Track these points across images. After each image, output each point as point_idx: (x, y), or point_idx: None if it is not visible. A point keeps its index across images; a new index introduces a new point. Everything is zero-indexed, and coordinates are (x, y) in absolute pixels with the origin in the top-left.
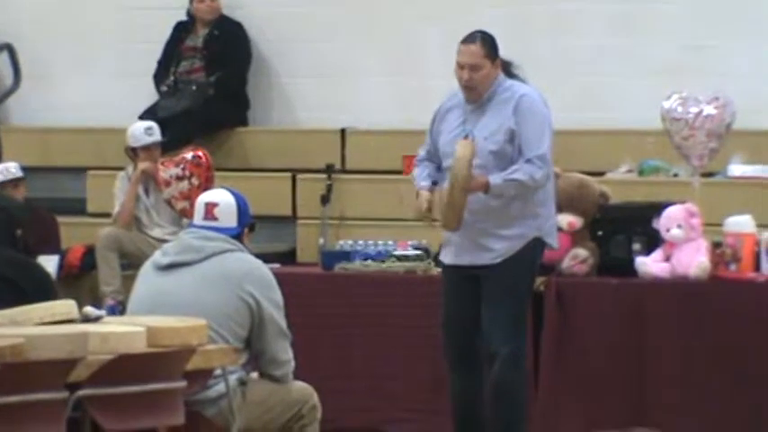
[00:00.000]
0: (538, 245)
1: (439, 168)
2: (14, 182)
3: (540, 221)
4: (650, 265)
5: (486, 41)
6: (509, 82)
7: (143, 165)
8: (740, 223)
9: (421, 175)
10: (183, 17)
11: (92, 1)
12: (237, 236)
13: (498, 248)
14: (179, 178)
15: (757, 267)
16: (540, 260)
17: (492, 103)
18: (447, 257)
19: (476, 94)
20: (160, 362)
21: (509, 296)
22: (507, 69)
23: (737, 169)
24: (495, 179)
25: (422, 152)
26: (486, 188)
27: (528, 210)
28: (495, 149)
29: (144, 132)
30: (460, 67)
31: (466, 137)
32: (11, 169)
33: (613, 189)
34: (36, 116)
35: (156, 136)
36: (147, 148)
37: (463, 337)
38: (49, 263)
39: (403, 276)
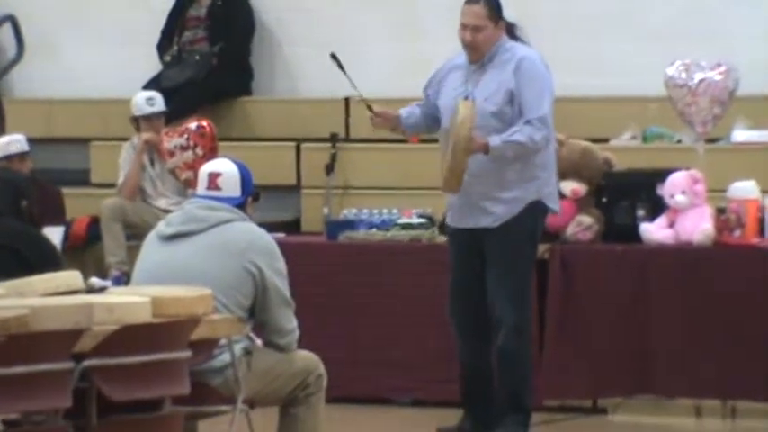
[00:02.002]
0: (538, 209)
1: (430, 120)
2: (21, 155)
3: (539, 184)
4: (654, 231)
5: (490, 2)
6: (510, 44)
7: (146, 135)
8: (744, 189)
9: (404, 108)
10: None
11: None
12: (241, 205)
13: (497, 211)
14: (183, 148)
15: (761, 233)
16: (543, 225)
17: (493, 63)
18: (450, 220)
19: (478, 54)
20: (165, 332)
21: (511, 263)
22: (511, 31)
23: (741, 135)
24: (495, 140)
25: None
26: (486, 149)
27: (527, 173)
28: (494, 110)
29: (145, 102)
30: (463, 27)
31: (466, 98)
32: (18, 143)
33: (617, 156)
34: (39, 87)
35: (158, 106)
36: (148, 118)
37: (469, 302)
38: (55, 234)
39: (408, 245)
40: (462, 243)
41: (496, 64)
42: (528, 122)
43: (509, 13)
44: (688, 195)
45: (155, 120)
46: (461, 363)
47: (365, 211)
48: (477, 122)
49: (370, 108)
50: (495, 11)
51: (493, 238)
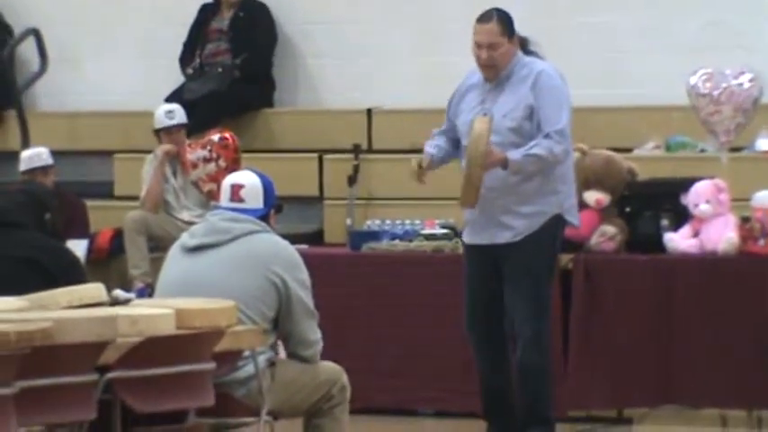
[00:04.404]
0: (558, 222)
1: (456, 145)
2: (44, 168)
3: (560, 198)
4: (679, 241)
5: (502, 19)
6: (527, 59)
7: (165, 146)
8: None
9: (429, 144)
10: (208, 0)
11: None
12: (264, 217)
13: (517, 226)
14: (206, 160)
15: None
16: (562, 239)
17: (510, 80)
18: (467, 236)
19: (494, 72)
20: (189, 344)
21: (530, 276)
22: (524, 46)
23: (765, 144)
24: (514, 154)
25: (438, 129)
26: (504, 164)
27: (547, 186)
28: (513, 126)
29: (165, 115)
30: (478, 46)
31: (484, 115)
32: (41, 156)
33: (641, 165)
34: (63, 100)
35: (178, 119)
36: (168, 130)
37: (487, 318)
38: (78, 247)
39: (430, 255)
40: (479, 259)
41: (515, 81)
42: (547, 136)
43: (531, 25)
44: (712, 204)
45: (175, 132)
46: (481, 377)
47: (388, 221)
48: (496, 139)
49: (422, 167)
50: (507, 27)
51: (512, 252)
